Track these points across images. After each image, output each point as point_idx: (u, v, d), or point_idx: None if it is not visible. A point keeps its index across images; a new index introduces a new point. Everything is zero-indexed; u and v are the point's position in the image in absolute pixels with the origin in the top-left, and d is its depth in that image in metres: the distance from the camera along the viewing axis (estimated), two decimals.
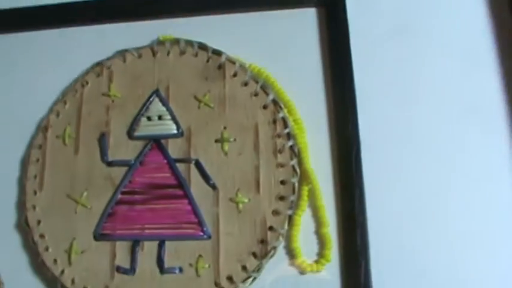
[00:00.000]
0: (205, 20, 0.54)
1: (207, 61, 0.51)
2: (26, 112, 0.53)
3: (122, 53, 0.52)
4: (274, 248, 0.46)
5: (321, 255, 0.46)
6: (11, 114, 0.54)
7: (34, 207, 0.49)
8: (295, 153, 0.48)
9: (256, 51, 0.52)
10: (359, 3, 0.52)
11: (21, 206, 0.50)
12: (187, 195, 0.48)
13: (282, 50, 0.52)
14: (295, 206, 0.47)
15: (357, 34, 0.51)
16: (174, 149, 0.49)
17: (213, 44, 0.52)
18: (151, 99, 0.51)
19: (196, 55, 0.51)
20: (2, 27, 0.56)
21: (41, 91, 0.53)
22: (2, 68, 0.55)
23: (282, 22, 0.53)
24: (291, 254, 0.46)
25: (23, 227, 0.50)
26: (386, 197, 0.47)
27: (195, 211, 0.47)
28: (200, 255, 0.46)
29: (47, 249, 0.48)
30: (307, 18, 0.52)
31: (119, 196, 0.48)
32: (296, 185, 0.47)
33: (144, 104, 0.51)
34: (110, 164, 0.49)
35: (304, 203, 0.47)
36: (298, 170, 0.47)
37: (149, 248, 0.47)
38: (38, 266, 0.49)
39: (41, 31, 0.55)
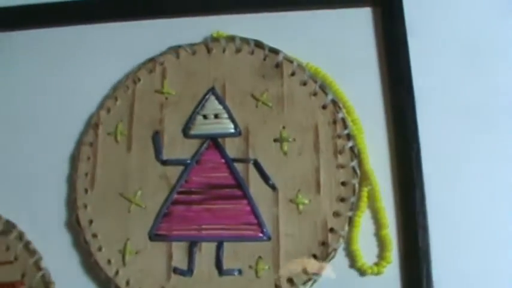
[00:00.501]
0: (258, 18, 0.54)
1: (264, 59, 0.51)
2: (74, 108, 0.53)
3: (175, 49, 0.53)
4: (335, 250, 0.47)
5: (381, 257, 0.47)
6: (59, 109, 0.54)
7: (85, 205, 0.49)
8: (355, 154, 0.49)
9: (311, 50, 0.52)
10: (416, 2, 0.52)
11: (71, 204, 0.50)
12: (246, 196, 0.48)
13: (337, 50, 0.53)
14: (355, 207, 0.48)
15: (415, 34, 0.51)
16: (232, 148, 0.49)
17: (266, 42, 0.52)
18: (207, 97, 0.51)
19: (252, 53, 0.52)
20: (53, 21, 0.56)
21: (89, 87, 0.54)
22: (51, 62, 0.55)
23: (337, 21, 0.54)
24: (351, 256, 0.47)
25: (74, 226, 0.50)
26: (448, 197, 0.48)
27: (255, 212, 0.48)
28: (260, 257, 0.47)
29: (100, 249, 0.48)
30: (363, 18, 0.53)
31: (175, 196, 0.49)
32: (356, 186, 0.48)
33: (200, 102, 0.51)
34: (164, 162, 0.50)
35: (364, 205, 0.48)
36: (358, 171, 0.48)
37: (207, 249, 0.47)
38: (91, 266, 0.49)
39: (91, 25, 0.55)
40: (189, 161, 0.49)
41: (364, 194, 0.48)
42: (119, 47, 0.55)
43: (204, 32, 0.54)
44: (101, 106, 0.52)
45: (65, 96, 0.54)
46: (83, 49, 0.55)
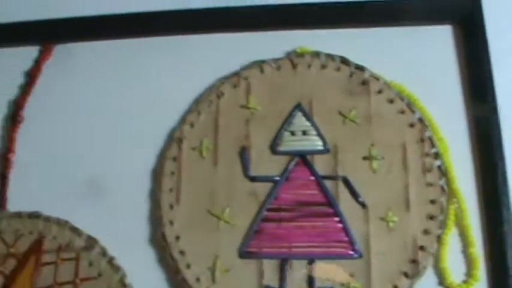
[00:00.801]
0: (337, 34, 0.55)
1: (350, 76, 0.53)
2: (154, 121, 0.53)
3: (259, 64, 0.53)
4: (425, 267, 0.48)
5: (470, 275, 0.48)
6: (139, 123, 0.54)
7: (171, 222, 0.50)
8: (443, 172, 0.50)
9: (392, 67, 0.53)
10: (498, 19, 0.54)
11: (155, 220, 0.51)
12: (336, 213, 0.49)
13: (419, 67, 0.54)
14: (443, 225, 0.49)
15: (497, 50, 0.53)
16: (320, 165, 0.50)
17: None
18: (294, 113, 0.52)
19: (338, 69, 0.53)
20: (135, 32, 0.56)
21: (169, 100, 0.54)
22: (131, 74, 0.55)
23: (418, 38, 0.54)
24: (440, 273, 0.49)
25: (159, 242, 0.50)
26: None
27: (346, 229, 0.49)
28: (351, 275, 0.48)
29: (188, 266, 0.48)
30: (444, 35, 0.54)
31: (265, 213, 0.49)
32: (444, 204, 0.49)
33: (287, 118, 0.52)
34: (253, 179, 0.50)
35: (452, 223, 0.50)
36: (446, 190, 0.50)
37: (298, 267, 0.48)
38: (177, 284, 0.49)
39: (173, 37, 0.55)
40: (278, 178, 0.50)
41: (451, 211, 0.50)
42: (198, 59, 0.55)
43: (285, 46, 0.54)
44: (183, 120, 0.52)
45: (144, 109, 0.54)
46: (163, 61, 0.55)
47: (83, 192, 0.52)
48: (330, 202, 0.49)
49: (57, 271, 0.50)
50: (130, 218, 0.51)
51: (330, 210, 0.49)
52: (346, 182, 0.50)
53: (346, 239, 0.49)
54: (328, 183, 0.50)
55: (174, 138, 0.52)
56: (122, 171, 0.52)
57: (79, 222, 0.51)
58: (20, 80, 0.57)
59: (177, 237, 0.49)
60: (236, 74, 0.54)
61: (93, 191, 0.52)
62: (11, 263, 0.51)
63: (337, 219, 0.49)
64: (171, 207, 0.50)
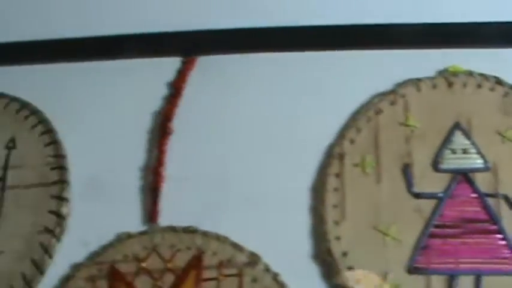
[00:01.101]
0: (485, 53, 0.57)
1: (505, 96, 0.55)
2: (307, 136, 0.54)
3: (415, 82, 0.55)
4: None
5: None
6: (292, 137, 0.55)
7: (338, 238, 0.51)
8: None
9: None
10: None
11: (318, 236, 0.52)
12: (500, 230, 0.51)
13: None
14: None
15: None
16: (481, 183, 0.52)
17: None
18: (453, 131, 0.54)
19: (492, 89, 0.55)
20: (286, 45, 0.57)
21: (322, 115, 0.55)
22: (283, 87, 0.57)
23: None
24: None
25: (324, 258, 0.51)
26: None
27: (510, 246, 0.51)
28: None
29: (358, 282, 0.50)
30: None
31: (431, 229, 0.51)
32: None
33: (447, 137, 0.53)
34: (417, 195, 0.52)
35: None
36: None
37: (464, 283, 0.50)
38: None
39: (323, 52, 0.57)
40: (441, 195, 0.52)
41: None
42: (350, 75, 0.56)
43: (433, 65, 0.56)
44: (342, 136, 0.54)
45: (297, 124, 0.55)
46: (314, 76, 0.57)
47: (244, 208, 0.53)
48: (493, 219, 0.51)
49: (220, 287, 0.51)
50: (290, 234, 0.52)
51: (493, 227, 0.51)
52: (507, 200, 0.52)
53: (510, 255, 0.51)
54: (490, 201, 0.52)
55: (334, 154, 0.54)
56: (279, 186, 0.53)
57: (236, 237, 0.51)
58: (162, 91, 0.57)
59: (344, 253, 0.51)
60: (393, 91, 0.55)
61: (253, 207, 0.53)
62: (169, 278, 0.51)
63: (500, 236, 0.51)
64: (337, 223, 0.51)
